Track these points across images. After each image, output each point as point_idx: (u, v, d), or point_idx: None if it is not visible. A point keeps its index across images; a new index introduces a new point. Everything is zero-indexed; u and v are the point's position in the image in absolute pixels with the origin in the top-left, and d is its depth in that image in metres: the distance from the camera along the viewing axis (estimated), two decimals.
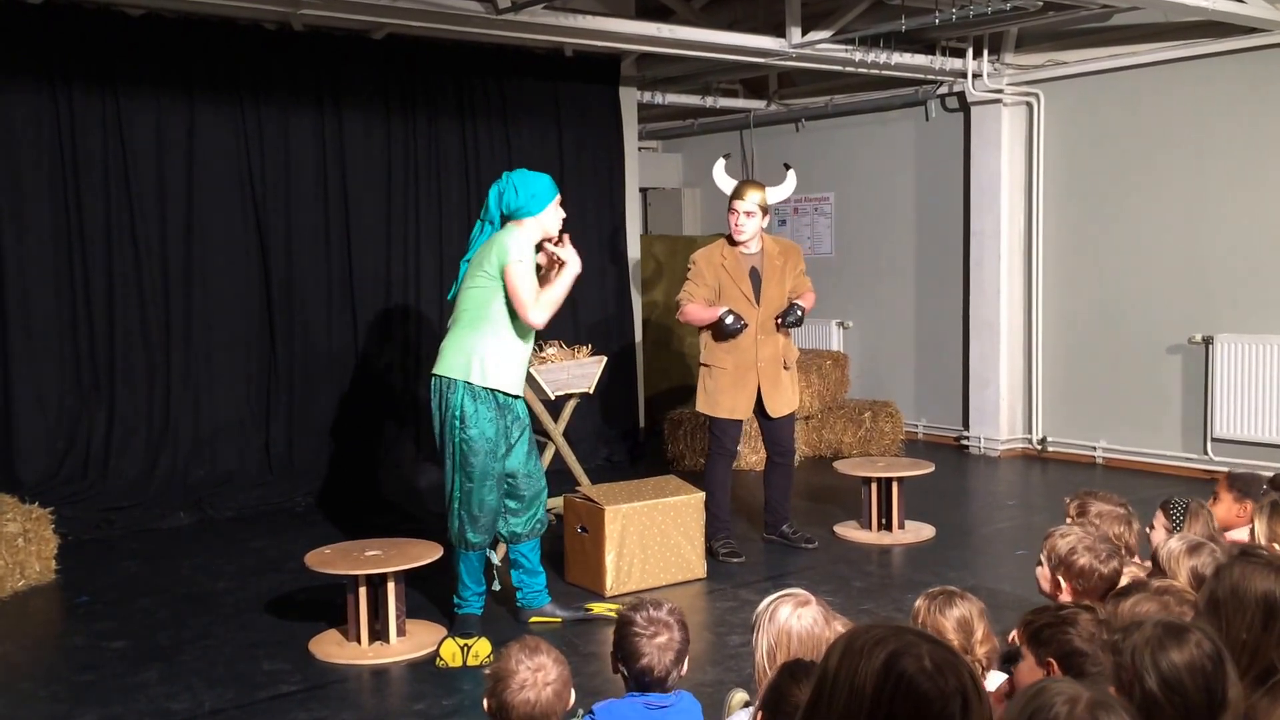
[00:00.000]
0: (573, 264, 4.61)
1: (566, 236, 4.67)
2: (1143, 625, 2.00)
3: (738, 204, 5.67)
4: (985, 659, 2.89)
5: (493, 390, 4.47)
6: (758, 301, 5.73)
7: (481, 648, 4.35)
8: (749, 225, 5.66)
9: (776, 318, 5.77)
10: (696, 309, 5.74)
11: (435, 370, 4.53)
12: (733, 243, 5.76)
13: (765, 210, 5.72)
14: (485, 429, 4.45)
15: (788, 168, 6.22)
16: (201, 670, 4.39)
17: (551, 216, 4.59)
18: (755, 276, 5.75)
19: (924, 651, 1.59)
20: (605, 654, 4.28)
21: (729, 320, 5.62)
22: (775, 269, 5.77)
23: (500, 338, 4.49)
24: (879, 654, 1.59)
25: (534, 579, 4.80)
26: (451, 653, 4.36)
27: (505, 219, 4.59)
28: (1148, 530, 3.89)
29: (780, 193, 5.95)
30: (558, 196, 4.62)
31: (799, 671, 2.30)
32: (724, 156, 6.22)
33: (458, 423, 4.43)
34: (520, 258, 4.42)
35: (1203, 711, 1.90)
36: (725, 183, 5.90)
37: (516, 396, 4.61)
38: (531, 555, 4.78)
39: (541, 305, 4.47)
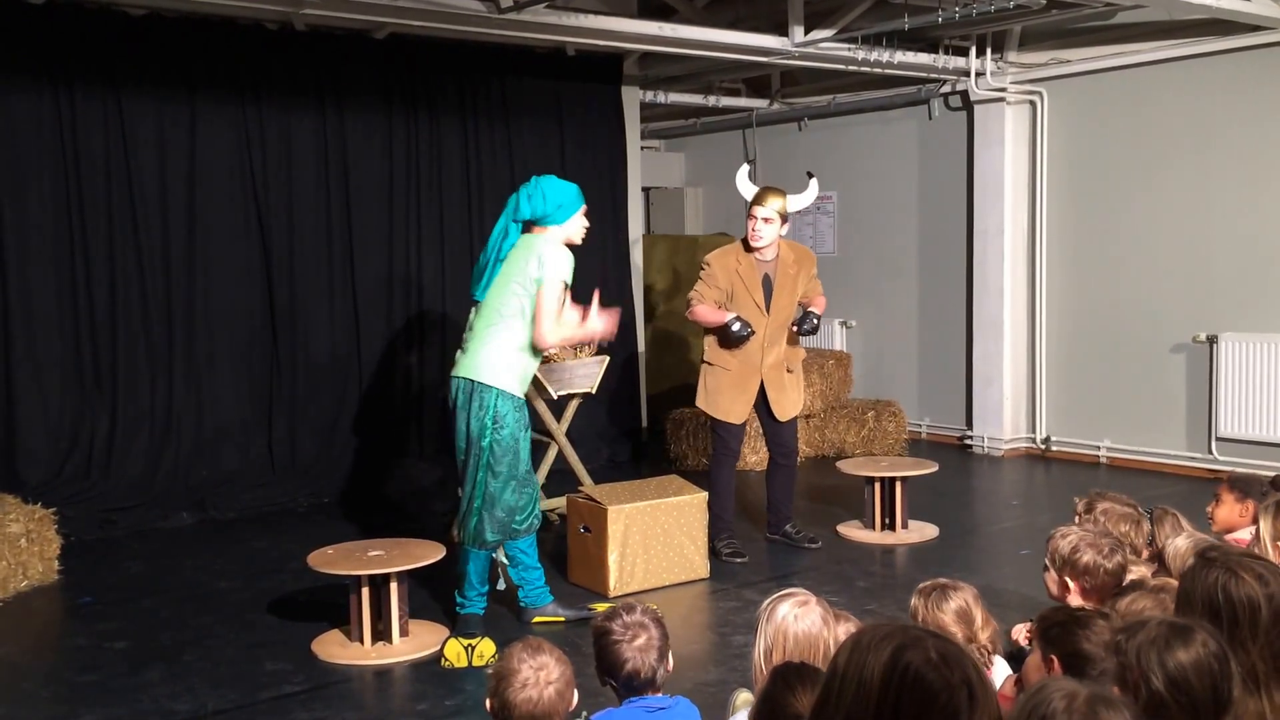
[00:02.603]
0: (596, 327, 4.68)
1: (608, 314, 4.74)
2: (1146, 625, 1.99)
3: (757, 210, 5.64)
4: (990, 644, 2.90)
5: (519, 397, 4.54)
6: (768, 310, 5.71)
7: (486, 648, 4.35)
8: (767, 232, 5.63)
9: (793, 325, 5.75)
10: (706, 310, 5.72)
11: (470, 375, 4.49)
12: (748, 248, 5.73)
13: (785, 218, 5.68)
14: (515, 430, 4.49)
15: (810, 176, 6.14)
16: (204, 670, 4.39)
17: (575, 227, 4.64)
18: (768, 284, 5.73)
19: (929, 645, 1.63)
20: None
21: (736, 327, 5.61)
22: (788, 277, 5.75)
23: (530, 348, 4.54)
24: (885, 648, 1.62)
25: (533, 574, 4.80)
26: (456, 653, 4.36)
27: (529, 224, 4.59)
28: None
29: (801, 201, 5.88)
30: (583, 207, 4.66)
31: (791, 678, 2.28)
32: (748, 162, 6.17)
33: (491, 424, 4.44)
34: (564, 276, 4.46)
35: (1209, 710, 1.90)
36: (747, 189, 5.86)
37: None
38: (530, 550, 4.78)
39: (560, 330, 4.51)
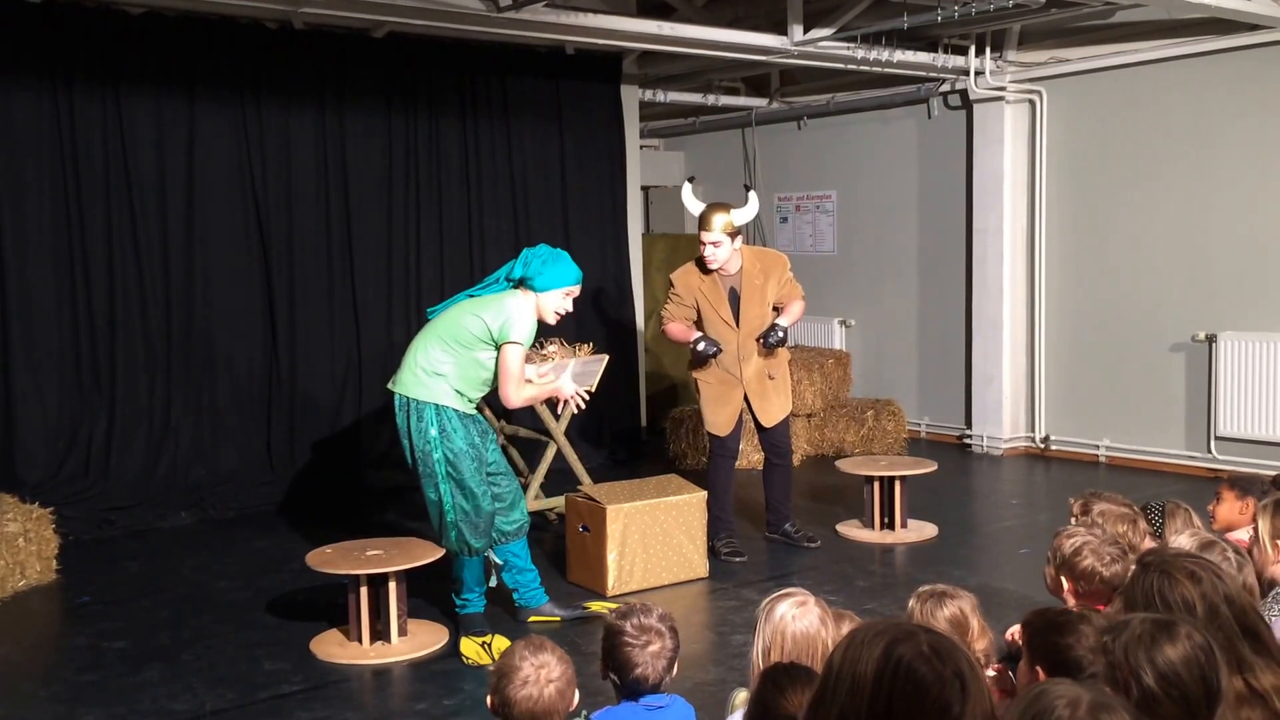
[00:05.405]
0: (564, 389, 4.74)
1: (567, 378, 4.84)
2: (1129, 624, 2.02)
3: (704, 235, 5.64)
4: (983, 655, 2.88)
5: (458, 410, 4.51)
6: (737, 323, 5.71)
7: (500, 642, 4.39)
8: (719, 254, 5.63)
9: (758, 338, 5.74)
10: (676, 329, 5.78)
11: (405, 391, 4.47)
12: (706, 268, 5.73)
13: (735, 233, 5.66)
14: (468, 434, 4.47)
15: (748, 189, 6.16)
16: (203, 670, 4.38)
17: (552, 301, 4.55)
18: (734, 297, 5.73)
19: (922, 639, 1.65)
20: None
21: (700, 347, 5.66)
22: (755, 287, 5.73)
23: (471, 376, 4.50)
24: (879, 643, 1.64)
25: (526, 576, 4.81)
26: (475, 650, 4.42)
27: (521, 280, 4.58)
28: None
29: (745, 214, 5.83)
30: (568, 288, 4.57)
31: (781, 680, 2.29)
32: (688, 180, 6.19)
33: (439, 438, 4.43)
34: (520, 339, 4.43)
35: (1201, 702, 1.92)
36: (694, 205, 5.87)
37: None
38: (521, 553, 4.78)
39: (523, 392, 4.52)
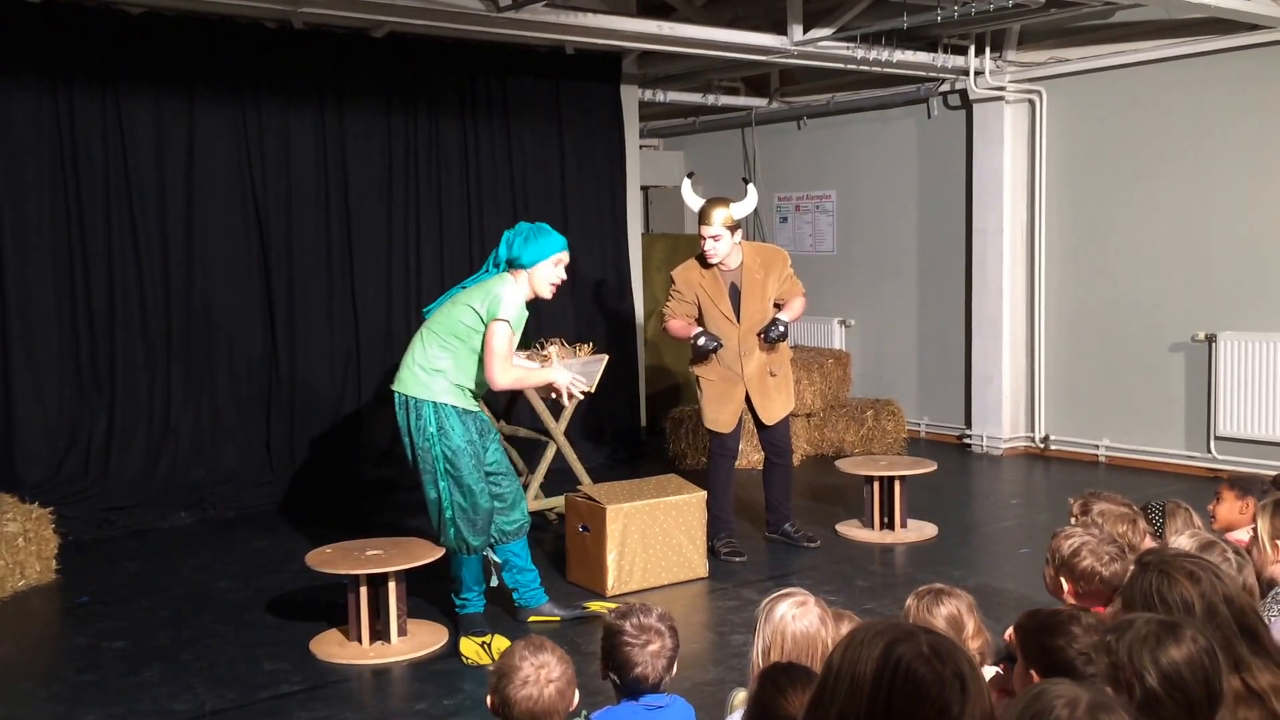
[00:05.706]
0: (558, 377, 4.72)
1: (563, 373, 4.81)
2: (1134, 624, 2.01)
3: (704, 229, 5.65)
4: (978, 654, 2.88)
5: (457, 407, 4.51)
6: (738, 319, 5.72)
7: (500, 642, 4.39)
8: (719, 248, 5.64)
9: (759, 333, 5.75)
10: (677, 325, 5.80)
11: (403, 390, 4.49)
12: (706, 263, 5.75)
13: (735, 227, 5.67)
14: (467, 434, 4.48)
15: (747, 182, 6.17)
16: (203, 670, 4.39)
17: (544, 272, 4.56)
18: (735, 293, 5.74)
19: (922, 640, 1.64)
20: None
21: (700, 342, 5.68)
22: (755, 283, 5.74)
23: (470, 369, 4.51)
24: (878, 643, 1.64)
25: (526, 576, 4.81)
26: (474, 650, 4.42)
27: (509, 263, 4.59)
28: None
29: (744, 208, 5.83)
30: (556, 255, 4.57)
31: (780, 680, 2.29)
32: (688, 175, 6.21)
33: (437, 435, 4.44)
34: (509, 317, 4.43)
35: (1203, 704, 1.93)
36: (693, 201, 5.89)
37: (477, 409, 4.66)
38: (522, 553, 4.79)
39: (510, 372, 4.50)
